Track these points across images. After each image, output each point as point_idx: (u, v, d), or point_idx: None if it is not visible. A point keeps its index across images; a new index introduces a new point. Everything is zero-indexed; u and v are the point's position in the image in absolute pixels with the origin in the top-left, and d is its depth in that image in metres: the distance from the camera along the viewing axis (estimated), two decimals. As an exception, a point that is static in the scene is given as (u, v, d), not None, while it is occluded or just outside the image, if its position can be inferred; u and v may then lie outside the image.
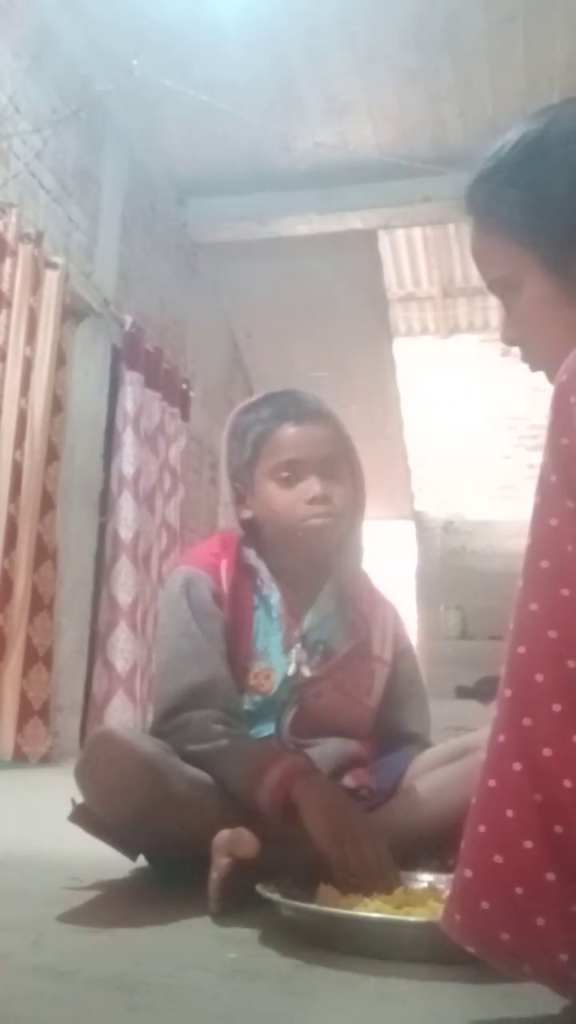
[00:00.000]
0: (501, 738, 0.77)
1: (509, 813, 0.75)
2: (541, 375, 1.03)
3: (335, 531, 1.54)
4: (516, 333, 1.04)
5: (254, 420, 1.58)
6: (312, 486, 1.52)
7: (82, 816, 1.42)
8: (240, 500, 1.59)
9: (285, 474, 1.53)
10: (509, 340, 1.05)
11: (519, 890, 0.74)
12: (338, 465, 1.56)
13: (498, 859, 0.75)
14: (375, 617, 1.63)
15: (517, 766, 0.76)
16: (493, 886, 0.76)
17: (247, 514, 1.59)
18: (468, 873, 0.78)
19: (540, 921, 0.74)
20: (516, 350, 1.05)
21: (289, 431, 1.55)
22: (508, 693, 0.78)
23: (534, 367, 1.04)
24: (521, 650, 0.77)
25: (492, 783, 0.77)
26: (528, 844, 0.74)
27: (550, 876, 0.73)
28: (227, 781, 1.38)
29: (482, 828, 0.77)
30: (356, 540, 1.61)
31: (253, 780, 1.33)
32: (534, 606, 0.77)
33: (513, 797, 0.75)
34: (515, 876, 0.75)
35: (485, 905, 0.76)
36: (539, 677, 0.76)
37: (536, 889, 0.74)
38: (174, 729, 1.43)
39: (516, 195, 0.98)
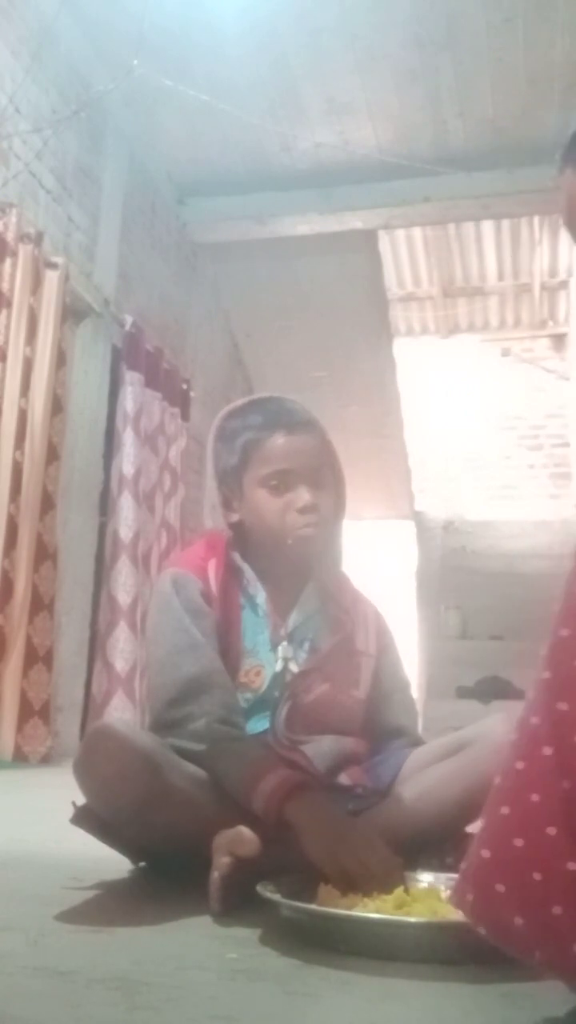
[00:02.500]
0: (534, 720, 0.75)
1: (535, 797, 0.73)
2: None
3: (321, 538, 1.58)
4: None
5: (242, 426, 1.59)
6: (302, 496, 1.54)
7: (83, 818, 1.41)
8: (227, 503, 1.61)
9: (275, 483, 1.55)
10: None
11: (537, 876, 0.73)
12: (324, 473, 1.58)
13: (518, 843, 0.74)
14: (357, 613, 1.65)
15: (548, 750, 0.74)
16: (511, 869, 0.74)
17: (234, 517, 1.60)
18: (485, 853, 0.76)
19: (557, 910, 0.72)
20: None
21: (280, 441, 1.56)
22: (546, 675, 0.75)
23: None
24: (564, 632, 0.75)
25: (520, 765, 0.75)
26: (551, 831, 0.72)
27: (572, 865, 0.71)
28: (224, 784, 1.38)
29: (505, 810, 0.75)
30: (337, 542, 1.65)
31: (249, 788, 1.33)
32: None
33: (540, 781, 0.73)
34: (534, 861, 0.73)
35: (500, 888, 0.75)
36: None
37: (556, 877, 0.72)
38: (174, 722, 1.44)
39: None
